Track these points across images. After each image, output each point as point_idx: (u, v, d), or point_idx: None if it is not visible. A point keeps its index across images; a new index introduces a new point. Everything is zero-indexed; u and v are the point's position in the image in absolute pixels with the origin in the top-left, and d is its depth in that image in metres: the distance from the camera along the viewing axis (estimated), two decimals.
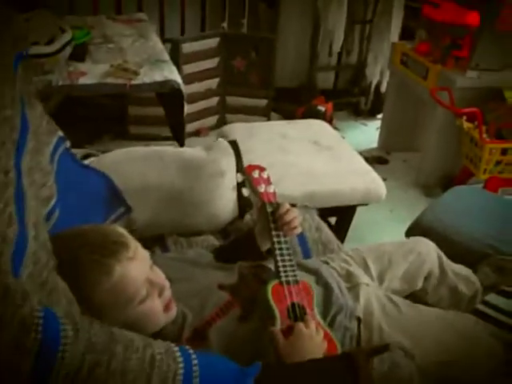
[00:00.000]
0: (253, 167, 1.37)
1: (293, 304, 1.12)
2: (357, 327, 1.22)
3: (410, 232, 1.91)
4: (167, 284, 1.05)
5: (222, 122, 3.51)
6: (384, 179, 3.20)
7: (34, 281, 0.74)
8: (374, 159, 3.34)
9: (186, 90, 3.38)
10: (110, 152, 1.61)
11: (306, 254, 1.56)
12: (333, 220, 2.37)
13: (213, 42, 3.37)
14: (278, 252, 1.19)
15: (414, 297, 1.47)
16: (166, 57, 2.37)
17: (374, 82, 3.86)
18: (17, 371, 0.65)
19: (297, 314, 1.11)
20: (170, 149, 1.70)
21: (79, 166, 1.36)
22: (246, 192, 1.34)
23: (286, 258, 1.18)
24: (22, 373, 0.65)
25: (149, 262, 1.03)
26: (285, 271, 1.16)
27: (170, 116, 2.42)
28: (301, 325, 1.06)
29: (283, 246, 1.21)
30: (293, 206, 1.76)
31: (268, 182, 1.34)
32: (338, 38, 3.67)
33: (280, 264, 1.17)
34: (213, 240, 1.58)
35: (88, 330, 0.71)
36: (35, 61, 2.05)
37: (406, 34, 3.59)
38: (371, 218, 2.61)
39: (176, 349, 0.82)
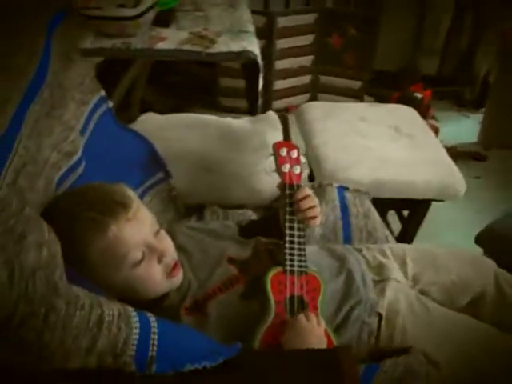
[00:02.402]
0: (282, 144, 1.26)
1: (292, 297, 1.04)
2: (377, 323, 1.12)
3: (480, 238, 1.72)
4: (170, 250, 1.02)
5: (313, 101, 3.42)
6: (477, 177, 2.95)
7: None
8: (470, 154, 3.10)
9: (278, 65, 3.34)
10: (153, 117, 1.61)
11: (347, 240, 1.46)
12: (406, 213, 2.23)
13: (310, 18, 3.27)
14: (288, 238, 1.10)
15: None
16: (250, 28, 2.31)
17: (483, 72, 3.54)
18: None
19: (294, 308, 1.03)
20: (214, 118, 1.65)
21: (119, 128, 1.35)
22: (270, 171, 1.25)
23: (296, 246, 1.09)
24: None
25: (153, 226, 1.01)
26: (291, 260, 1.07)
27: (247, 88, 2.39)
28: (302, 318, 0.99)
29: (295, 232, 1.11)
30: (345, 188, 1.67)
31: (296, 161, 1.23)
32: (445, 20, 3.40)
33: (287, 251, 1.08)
34: (251, 215, 1.52)
35: (26, 279, 0.69)
36: (119, 23, 2.09)
37: None
38: (452, 216, 2.42)
39: (133, 313, 0.78)
